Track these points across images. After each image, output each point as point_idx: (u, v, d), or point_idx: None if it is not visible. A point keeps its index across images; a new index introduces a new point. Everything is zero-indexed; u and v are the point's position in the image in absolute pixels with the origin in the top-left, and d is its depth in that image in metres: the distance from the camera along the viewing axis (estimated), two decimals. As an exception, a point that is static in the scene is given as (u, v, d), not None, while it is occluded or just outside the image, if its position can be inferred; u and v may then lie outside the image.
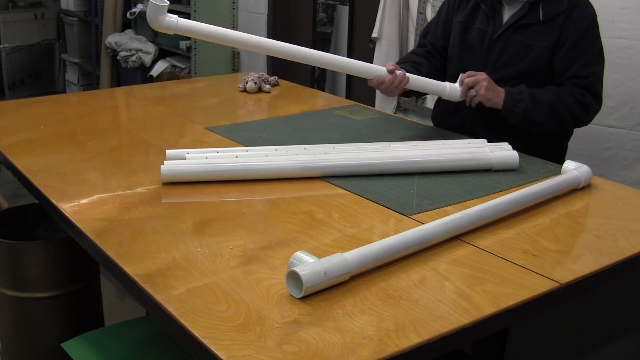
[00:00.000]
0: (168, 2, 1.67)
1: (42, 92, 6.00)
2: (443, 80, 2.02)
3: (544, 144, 2.04)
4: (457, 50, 2.11)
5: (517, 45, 2.00)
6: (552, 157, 1.92)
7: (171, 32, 1.71)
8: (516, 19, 1.99)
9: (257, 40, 1.79)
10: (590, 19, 1.97)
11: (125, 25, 5.34)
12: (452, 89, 1.97)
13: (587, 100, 1.96)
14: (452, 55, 2.14)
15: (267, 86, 2.56)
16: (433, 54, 2.19)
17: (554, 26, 1.96)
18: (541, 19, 1.97)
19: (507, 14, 2.03)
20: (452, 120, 2.14)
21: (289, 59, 1.84)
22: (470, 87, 1.92)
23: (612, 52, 2.49)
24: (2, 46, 5.86)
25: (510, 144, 1.85)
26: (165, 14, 1.68)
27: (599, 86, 1.99)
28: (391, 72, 1.87)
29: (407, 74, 1.91)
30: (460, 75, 1.97)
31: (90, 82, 5.78)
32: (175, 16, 1.70)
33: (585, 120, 2.02)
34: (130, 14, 5.10)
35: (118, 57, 5.08)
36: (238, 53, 4.69)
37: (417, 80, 1.94)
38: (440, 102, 2.19)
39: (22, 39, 5.96)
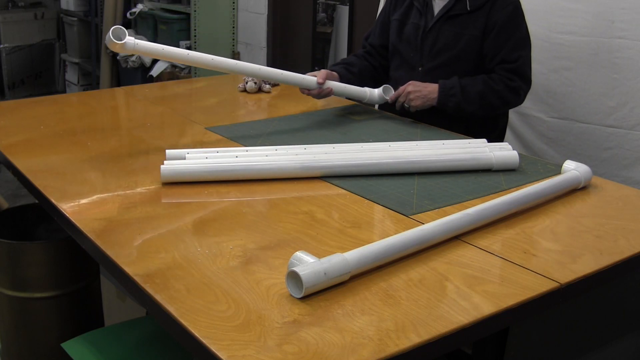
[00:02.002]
0: (126, 39, 1.77)
1: (42, 92, 6.00)
2: (381, 75, 2.41)
3: (481, 125, 2.21)
4: (396, 45, 2.33)
5: (448, 34, 2.19)
6: (491, 136, 2.05)
7: (129, 53, 1.85)
8: (445, 10, 2.19)
9: (202, 57, 1.96)
10: (512, 6, 2.14)
11: (125, 25, 5.32)
12: (371, 93, 2.26)
13: (516, 85, 2.14)
14: (393, 50, 2.36)
15: (267, 86, 2.56)
16: (372, 53, 2.44)
17: (480, 15, 2.14)
18: (468, 9, 2.15)
19: (437, 8, 2.22)
20: (394, 108, 2.29)
21: (230, 72, 2.09)
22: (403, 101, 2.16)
23: (612, 52, 2.49)
24: (2, 46, 5.86)
25: (448, 124, 2.14)
26: (125, 40, 1.78)
27: (527, 68, 2.17)
28: (320, 84, 2.14)
29: (333, 85, 2.18)
30: (383, 87, 2.25)
31: (90, 82, 5.79)
32: (132, 39, 1.81)
33: (516, 102, 2.21)
34: (130, 14, 5.10)
35: (118, 57, 5.08)
36: (238, 53, 4.69)
37: (341, 88, 2.22)
38: None
39: (22, 39, 5.96)
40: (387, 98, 2.25)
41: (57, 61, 6.22)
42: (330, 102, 2.49)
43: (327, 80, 2.15)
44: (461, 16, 2.16)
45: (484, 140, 1.89)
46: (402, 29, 2.30)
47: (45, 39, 6.11)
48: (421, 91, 2.13)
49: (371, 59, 2.43)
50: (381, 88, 2.27)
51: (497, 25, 2.12)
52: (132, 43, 1.80)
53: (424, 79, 2.22)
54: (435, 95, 2.12)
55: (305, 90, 2.17)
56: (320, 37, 4.27)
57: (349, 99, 2.41)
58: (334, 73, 2.25)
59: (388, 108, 2.35)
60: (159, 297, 1.11)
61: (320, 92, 2.15)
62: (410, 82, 2.16)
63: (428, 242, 1.30)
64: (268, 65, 4.41)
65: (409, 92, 2.13)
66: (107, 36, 1.76)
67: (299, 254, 1.17)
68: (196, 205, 1.50)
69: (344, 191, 1.60)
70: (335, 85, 2.19)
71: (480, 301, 1.12)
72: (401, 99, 2.15)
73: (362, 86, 2.27)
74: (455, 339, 1.05)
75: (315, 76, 2.16)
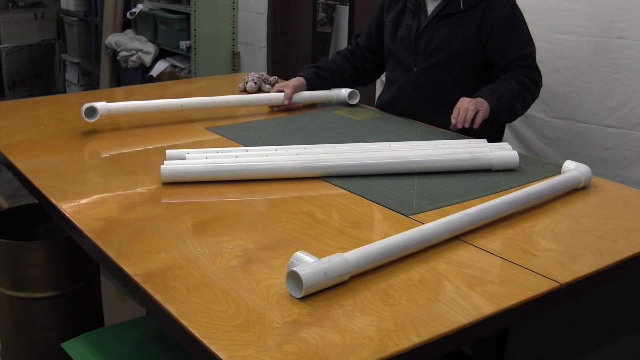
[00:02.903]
0: (99, 111, 1.97)
1: (42, 92, 6.00)
2: (362, 76, 2.46)
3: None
4: (391, 46, 2.33)
5: (442, 34, 2.18)
6: (489, 136, 1.99)
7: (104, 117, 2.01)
8: (439, 10, 2.18)
9: (172, 104, 2.14)
10: (509, 5, 2.13)
11: (125, 25, 5.34)
12: (338, 95, 2.38)
13: (535, 77, 2.14)
14: (388, 51, 2.36)
15: (267, 86, 2.56)
16: (356, 53, 2.46)
17: (475, 14, 2.13)
18: (462, 8, 2.14)
19: (430, 8, 2.22)
20: (393, 110, 2.33)
21: (204, 108, 2.21)
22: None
23: (612, 52, 2.49)
24: (2, 46, 5.86)
25: (446, 124, 2.04)
26: (98, 115, 1.99)
27: (536, 62, 2.17)
28: (287, 104, 2.26)
29: (300, 98, 2.30)
30: (350, 91, 2.36)
31: (90, 82, 5.79)
32: (104, 105, 1.99)
33: (537, 95, 2.17)
34: (130, 14, 5.10)
35: (118, 57, 5.08)
36: (238, 53, 4.69)
37: (307, 98, 2.33)
38: (382, 94, 2.43)
39: (22, 39, 5.96)
40: (351, 102, 2.37)
41: (57, 61, 6.22)
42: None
43: (293, 95, 2.28)
44: (455, 15, 2.16)
45: (484, 140, 1.89)
46: (396, 30, 2.31)
47: (45, 39, 6.11)
48: (477, 101, 1.96)
49: (353, 58, 2.44)
50: (348, 92, 2.37)
51: (496, 25, 2.11)
52: (106, 111, 1.98)
53: (419, 79, 2.24)
54: (486, 104, 1.96)
55: (274, 106, 2.31)
56: (320, 37, 4.27)
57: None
58: (302, 80, 2.32)
59: (388, 108, 2.36)
60: (159, 297, 1.11)
61: (288, 107, 2.29)
62: (460, 99, 1.99)
63: (428, 242, 1.30)
64: (268, 64, 4.44)
65: (472, 103, 1.93)
66: (82, 113, 1.94)
67: (299, 254, 1.17)
68: (196, 205, 1.50)
69: (344, 191, 1.60)
70: (302, 97, 2.31)
71: (480, 301, 1.12)
72: (462, 115, 1.93)
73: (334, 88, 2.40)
74: (455, 339, 1.05)
75: (283, 90, 2.28)
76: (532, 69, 2.14)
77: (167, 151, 1.72)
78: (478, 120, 1.94)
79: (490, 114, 1.98)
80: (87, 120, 1.96)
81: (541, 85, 2.18)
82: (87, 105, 1.97)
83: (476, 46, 2.15)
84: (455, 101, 2.09)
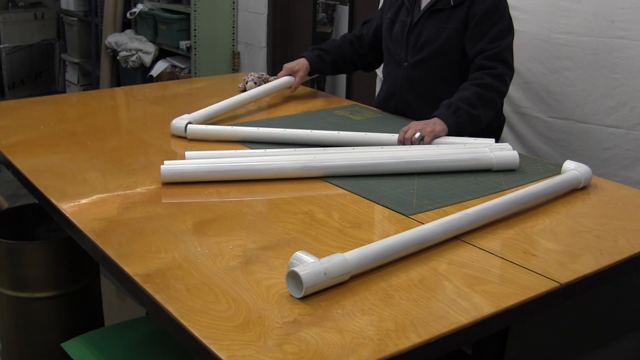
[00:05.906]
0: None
1: (42, 92, 6.00)
2: (363, 63, 2.54)
3: None
4: (387, 42, 2.38)
5: (431, 29, 2.21)
6: (487, 136, 1.97)
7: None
8: (429, 6, 2.21)
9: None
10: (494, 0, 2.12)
11: (125, 25, 5.34)
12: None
13: (500, 71, 2.07)
14: (385, 47, 2.41)
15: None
16: (361, 39, 2.51)
17: (463, 9, 2.16)
18: (452, 4, 2.17)
19: (424, 4, 2.25)
20: (388, 106, 2.37)
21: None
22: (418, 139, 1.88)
23: (612, 52, 2.49)
24: (2, 46, 5.86)
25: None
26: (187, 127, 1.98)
27: (508, 54, 2.12)
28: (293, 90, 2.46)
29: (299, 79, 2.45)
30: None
31: (90, 82, 5.79)
32: (187, 118, 2.02)
33: (505, 91, 2.12)
34: (130, 14, 5.10)
35: (118, 57, 5.08)
36: (238, 53, 4.69)
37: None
38: (379, 91, 2.47)
39: (22, 39, 5.96)
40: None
41: (57, 61, 6.22)
42: (330, 102, 2.49)
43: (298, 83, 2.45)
44: (444, 11, 2.18)
45: (484, 140, 1.89)
46: (392, 27, 2.35)
47: (45, 39, 6.11)
48: (427, 123, 1.93)
49: (359, 45, 2.50)
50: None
51: (477, 16, 2.11)
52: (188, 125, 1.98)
53: (408, 74, 2.26)
54: (441, 125, 1.93)
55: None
56: (320, 37, 4.27)
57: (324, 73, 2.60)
58: (306, 66, 2.44)
59: (383, 104, 2.39)
60: (159, 297, 1.11)
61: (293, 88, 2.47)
62: (411, 123, 1.95)
63: (428, 242, 1.30)
64: (268, 64, 4.44)
65: (417, 129, 1.89)
66: (181, 130, 1.95)
67: (299, 254, 1.17)
68: (196, 205, 1.50)
69: (344, 191, 1.60)
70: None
71: (480, 301, 1.12)
72: (406, 143, 1.89)
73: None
74: (455, 339, 1.05)
75: (293, 73, 2.44)
76: (494, 60, 2.06)
77: (189, 126, 1.90)
78: (426, 143, 1.88)
79: (450, 131, 1.93)
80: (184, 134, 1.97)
81: (509, 77, 2.10)
82: (186, 121, 1.97)
83: (461, 41, 2.17)
84: (444, 97, 2.08)
